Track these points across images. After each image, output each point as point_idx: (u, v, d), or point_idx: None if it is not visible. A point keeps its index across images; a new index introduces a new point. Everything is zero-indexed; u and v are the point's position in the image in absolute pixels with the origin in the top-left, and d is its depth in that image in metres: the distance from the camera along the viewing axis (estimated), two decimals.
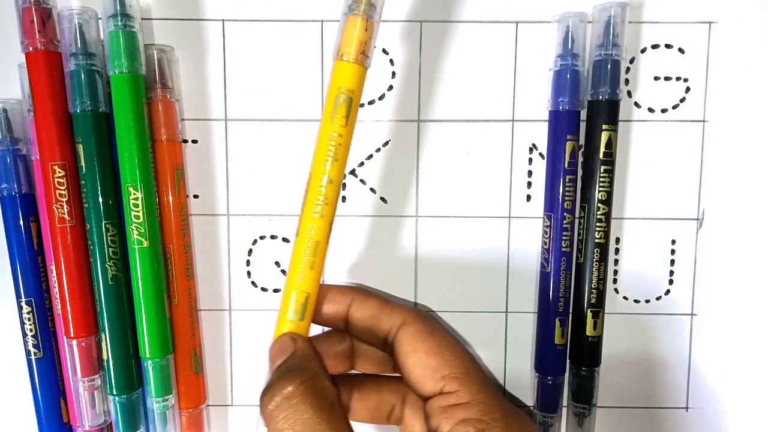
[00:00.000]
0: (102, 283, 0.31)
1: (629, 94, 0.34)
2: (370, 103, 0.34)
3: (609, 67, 0.32)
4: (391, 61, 0.34)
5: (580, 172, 0.33)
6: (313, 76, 0.34)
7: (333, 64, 0.28)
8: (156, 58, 0.32)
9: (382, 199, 0.35)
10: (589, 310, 0.33)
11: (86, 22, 0.31)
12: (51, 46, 0.31)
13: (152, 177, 0.32)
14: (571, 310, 0.34)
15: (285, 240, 0.35)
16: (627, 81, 0.34)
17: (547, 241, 0.33)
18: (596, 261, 0.33)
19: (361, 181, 0.35)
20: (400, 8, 0.33)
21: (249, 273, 0.35)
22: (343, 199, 0.35)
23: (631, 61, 0.34)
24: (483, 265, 0.35)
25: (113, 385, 0.32)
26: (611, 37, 0.32)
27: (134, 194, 0.30)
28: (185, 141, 0.34)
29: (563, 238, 0.33)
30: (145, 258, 0.31)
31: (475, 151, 0.34)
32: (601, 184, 0.32)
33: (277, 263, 0.35)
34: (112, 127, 0.31)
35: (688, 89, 0.34)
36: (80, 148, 0.31)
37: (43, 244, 0.33)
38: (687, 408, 0.36)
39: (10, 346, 0.35)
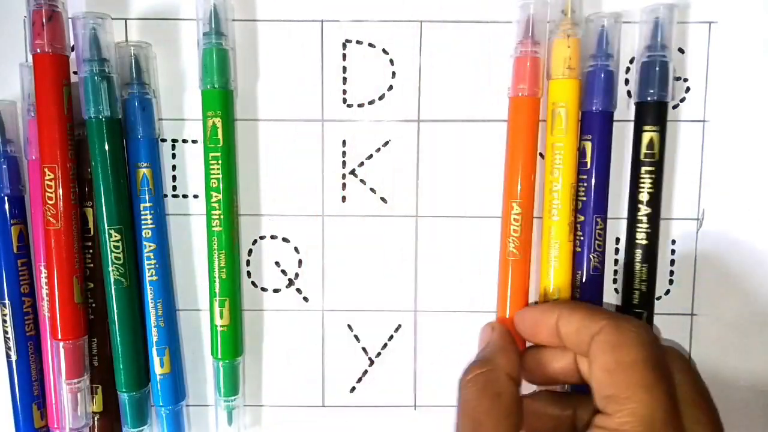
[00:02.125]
0: (114, 285, 0.32)
1: (629, 94, 0.34)
2: (370, 103, 0.34)
3: (657, 68, 0.32)
4: (391, 61, 0.34)
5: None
6: (313, 76, 0.34)
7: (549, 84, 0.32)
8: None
9: (382, 199, 0.35)
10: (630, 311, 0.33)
11: (100, 26, 0.31)
12: (58, 49, 0.30)
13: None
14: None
15: (285, 240, 0.35)
16: (627, 81, 0.34)
17: (602, 243, 0.33)
18: (638, 262, 0.33)
19: (361, 181, 0.35)
20: (400, 8, 0.33)
21: (249, 273, 0.35)
22: (343, 199, 0.35)
23: (631, 60, 0.34)
24: (483, 265, 0.35)
25: (123, 382, 0.33)
26: (659, 38, 0.32)
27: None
28: (185, 141, 0.34)
29: (593, 240, 0.33)
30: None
31: (475, 151, 0.34)
32: (641, 185, 0.32)
33: (277, 263, 0.35)
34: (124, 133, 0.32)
35: (688, 89, 0.34)
36: (93, 153, 0.31)
37: (29, 246, 0.34)
38: None
39: None
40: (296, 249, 0.35)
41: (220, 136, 0.32)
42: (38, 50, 0.30)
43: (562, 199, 0.32)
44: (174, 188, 0.35)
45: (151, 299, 0.33)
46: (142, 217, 0.32)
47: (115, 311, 0.32)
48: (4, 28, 0.33)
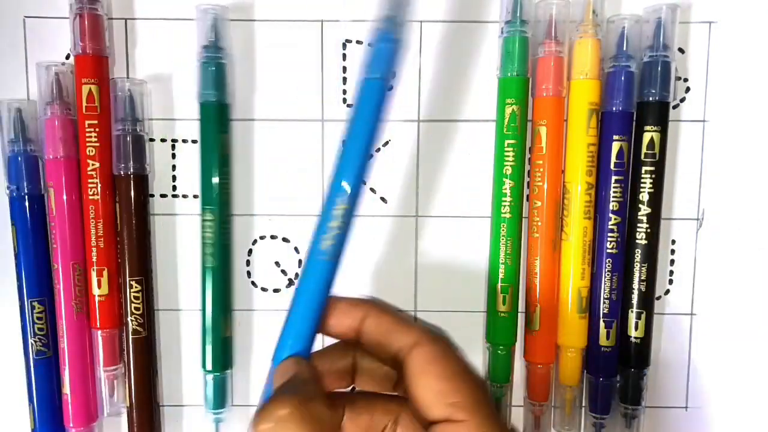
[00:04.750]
0: (204, 268, 0.33)
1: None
2: None
3: (659, 68, 0.32)
4: None
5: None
6: (313, 76, 0.34)
7: (570, 84, 0.32)
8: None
9: (382, 199, 0.35)
10: (629, 311, 0.33)
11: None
12: (99, 51, 0.32)
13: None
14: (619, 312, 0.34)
15: (285, 240, 0.35)
16: None
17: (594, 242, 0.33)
18: (638, 262, 0.33)
19: None
20: None
21: (249, 273, 0.35)
22: None
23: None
24: (483, 265, 0.35)
25: (209, 362, 0.34)
26: (661, 38, 0.32)
27: None
28: (185, 141, 0.34)
29: (606, 238, 0.33)
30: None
31: (475, 151, 0.34)
32: (641, 185, 0.32)
33: (277, 263, 0.35)
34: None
35: (688, 89, 0.34)
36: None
37: (48, 243, 0.34)
38: (686, 407, 0.36)
39: (8, 347, 0.35)
40: (296, 249, 0.35)
41: (517, 123, 0.32)
42: (79, 51, 0.32)
43: (593, 198, 0.32)
44: (174, 188, 0.35)
45: None
46: None
47: (210, 293, 0.33)
48: (16, 31, 0.33)
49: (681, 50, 0.33)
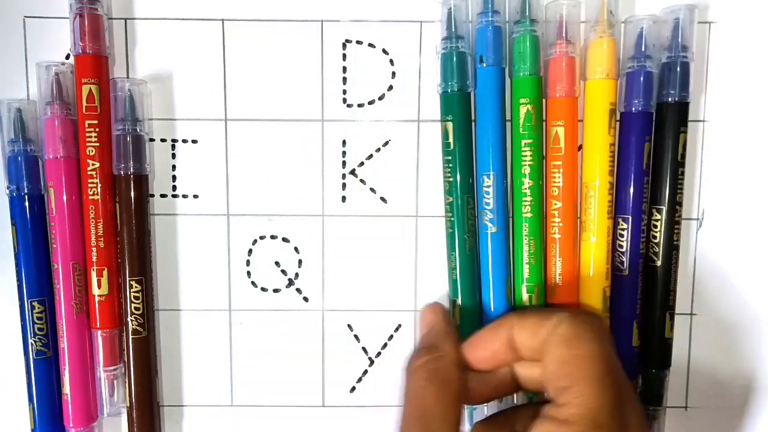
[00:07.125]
0: (460, 250, 0.33)
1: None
2: (370, 103, 0.34)
3: (679, 69, 0.32)
4: (391, 61, 0.34)
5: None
6: (313, 76, 0.34)
7: (585, 85, 0.32)
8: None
9: (382, 199, 0.35)
10: (667, 312, 0.33)
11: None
12: (99, 51, 0.32)
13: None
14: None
15: (285, 240, 0.35)
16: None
17: (624, 243, 0.33)
18: (673, 264, 0.33)
19: (361, 181, 0.35)
20: (400, 8, 0.33)
21: (249, 273, 0.35)
22: (343, 199, 0.35)
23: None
24: None
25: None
26: (680, 39, 0.32)
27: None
28: (185, 141, 0.34)
29: (640, 240, 0.33)
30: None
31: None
32: (679, 188, 0.32)
33: (277, 263, 0.35)
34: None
35: None
36: (449, 126, 0.32)
37: (48, 242, 0.33)
38: (686, 407, 0.36)
39: (8, 347, 0.35)
40: (296, 249, 0.35)
41: (533, 122, 0.32)
42: (79, 51, 0.32)
43: (613, 197, 0.32)
44: (174, 188, 0.35)
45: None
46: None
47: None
48: (16, 31, 0.33)
49: None
